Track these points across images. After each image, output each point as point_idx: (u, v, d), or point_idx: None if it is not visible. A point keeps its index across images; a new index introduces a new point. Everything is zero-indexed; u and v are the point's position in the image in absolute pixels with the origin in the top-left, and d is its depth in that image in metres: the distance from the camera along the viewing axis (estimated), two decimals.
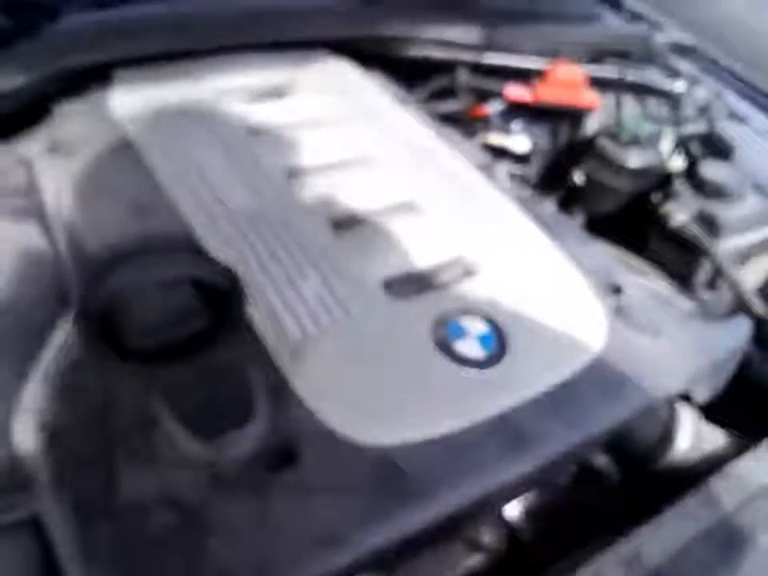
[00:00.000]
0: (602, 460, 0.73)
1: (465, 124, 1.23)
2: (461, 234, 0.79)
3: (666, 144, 1.14)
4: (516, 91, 1.19)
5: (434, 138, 0.95)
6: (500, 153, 1.21)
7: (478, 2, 1.22)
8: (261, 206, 0.76)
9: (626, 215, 1.11)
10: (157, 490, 0.52)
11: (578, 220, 1.14)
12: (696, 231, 0.97)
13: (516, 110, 1.24)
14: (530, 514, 0.71)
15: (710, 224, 0.97)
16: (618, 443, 0.73)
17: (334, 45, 1.10)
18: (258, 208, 0.76)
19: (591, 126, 1.22)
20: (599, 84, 1.23)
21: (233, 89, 0.96)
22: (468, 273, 0.75)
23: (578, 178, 1.16)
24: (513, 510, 0.71)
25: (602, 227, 1.12)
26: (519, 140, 1.23)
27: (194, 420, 0.56)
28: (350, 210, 0.79)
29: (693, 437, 0.75)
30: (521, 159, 1.24)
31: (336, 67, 1.07)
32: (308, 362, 0.62)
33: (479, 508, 0.60)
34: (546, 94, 1.18)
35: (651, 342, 0.73)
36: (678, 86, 1.25)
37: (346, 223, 0.77)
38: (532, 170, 1.24)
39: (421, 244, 0.76)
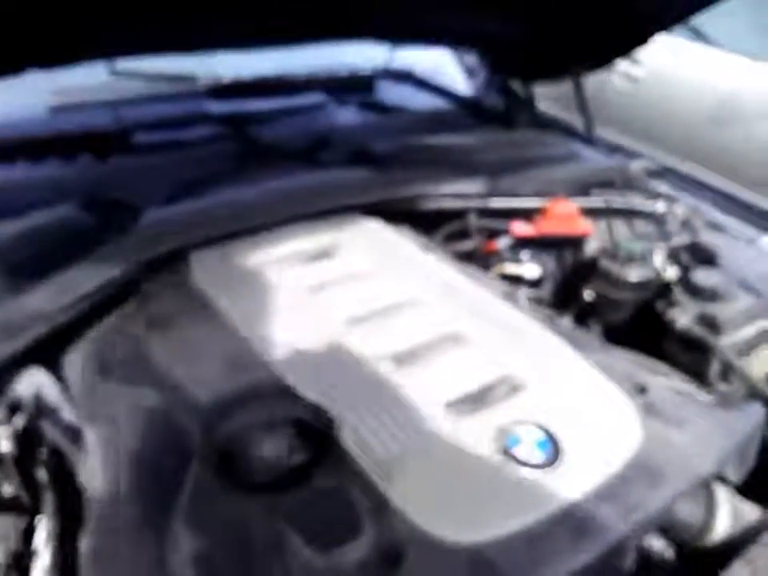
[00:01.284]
0: (656, 544, 0.83)
1: (480, 259, 1.41)
2: (502, 356, 0.93)
3: (659, 258, 1.31)
4: (520, 228, 1.38)
5: (461, 276, 1.11)
6: (514, 280, 1.39)
7: (478, 158, 1.44)
8: (332, 352, 0.91)
9: (636, 324, 1.26)
10: None
11: (594, 332, 1.29)
12: (700, 332, 1.11)
13: (523, 243, 1.42)
14: None
15: (710, 324, 1.12)
16: (666, 528, 0.83)
17: (364, 208, 1.30)
18: (330, 354, 0.91)
19: (589, 249, 1.40)
20: (591, 213, 1.43)
21: (289, 254, 1.14)
22: (515, 389, 0.88)
23: (588, 295, 1.32)
24: None
25: (616, 337, 1.27)
26: (530, 267, 1.40)
27: (315, 537, 0.67)
28: (406, 345, 0.94)
29: (731, 515, 0.85)
30: (534, 284, 1.41)
31: (370, 227, 1.26)
32: (398, 478, 0.74)
33: None
34: (547, 227, 1.37)
35: (680, 433, 0.85)
36: (659, 206, 1.45)
37: (405, 358, 0.91)
38: (545, 293, 1.40)
39: (471, 369, 0.91)
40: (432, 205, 1.36)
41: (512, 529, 0.70)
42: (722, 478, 0.88)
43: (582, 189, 1.51)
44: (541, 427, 0.81)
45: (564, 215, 1.36)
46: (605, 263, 1.29)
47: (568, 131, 1.82)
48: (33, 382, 0.94)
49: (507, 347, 0.95)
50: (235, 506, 0.71)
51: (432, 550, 0.68)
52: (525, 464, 0.77)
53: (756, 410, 0.96)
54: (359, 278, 1.09)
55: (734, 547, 0.81)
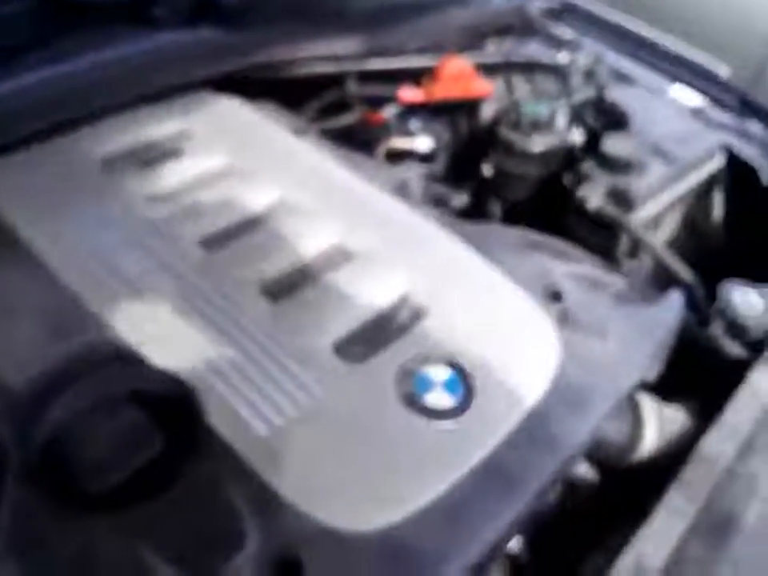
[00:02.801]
0: (580, 469, 0.75)
1: (363, 134, 1.21)
2: (398, 272, 0.78)
3: (562, 119, 1.16)
4: (409, 93, 1.18)
5: (342, 166, 0.92)
6: (405, 155, 1.20)
7: (352, 6, 1.18)
8: (183, 290, 0.72)
9: (540, 200, 1.13)
10: None
11: (494, 211, 1.16)
12: (612, 212, 0.99)
13: (412, 111, 1.22)
14: (525, 538, 0.72)
15: (622, 199, 1.00)
16: (592, 451, 0.75)
17: (215, 82, 1.04)
18: (181, 293, 0.72)
19: (487, 113, 1.22)
20: (488, 69, 1.23)
21: (121, 155, 0.90)
22: (415, 314, 0.74)
23: (487, 170, 1.16)
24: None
25: (518, 214, 1.14)
26: (422, 140, 1.21)
27: (181, 555, 0.53)
28: (280, 270, 0.76)
29: (658, 425, 0.78)
30: (427, 158, 1.23)
31: (224, 108, 1.01)
32: (284, 459, 0.59)
33: (488, 558, 0.60)
34: (439, 91, 1.17)
35: (600, 343, 0.75)
36: (562, 56, 1.27)
37: (279, 290, 0.74)
38: (439, 167, 1.22)
39: (361, 293, 0.74)
40: (300, 71, 1.11)
41: (426, 501, 0.58)
42: (643, 384, 0.80)
43: (477, 38, 1.30)
44: (449, 363, 0.68)
45: (457, 75, 1.16)
46: (505, 132, 1.12)
47: None
48: None
49: (402, 259, 0.79)
50: (73, 528, 0.54)
51: (335, 547, 0.55)
52: (435, 413, 0.64)
53: (674, 299, 0.87)
54: (214, 181, 0.87)
55: (665, 462, 0.75)
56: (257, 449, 0.59)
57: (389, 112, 1.21)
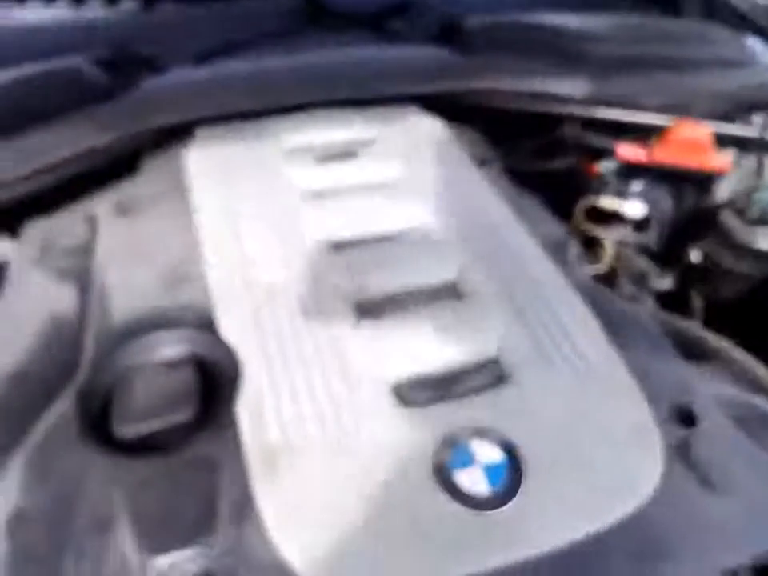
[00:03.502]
0: None
1: (578, 182, 1.11)
2: (503, 329, 0.69)
3: None
4: (629, 150, 1.05)
5: (504, 211, 0.85)
6: (610, 218, 1.08)
7: (599, 49, 1.09)
8: (287, 284, 0.72)
9: (750, 304, 0.93)
10: None
11: (694, 305, 0.98)
12: None
13: (636, 170, 1.09)
14: None
15: None
16: None
17: (428, 100, 1.04)
18: (284, 285, 0.72)
19: (722, 193, 1.05)
20: (737, 144, 1.05)
21: (305, 148, 0.94)
22: (498, 379, 0.65)
23: (695, 256, 0.99)
24: None
25: (721, 315, 0.95)
26: (634, 205, 1.08)
27: (149, 529, 0.53)
28: (382, 292, 0.72)
29: None
30: (639, 226, 1.09)
31: (421, 126, 1.00)
32: (280, 476, 0.56)
33: None
34: (664, 154, 1.03)
35: (715, 499, 0.59)
36: None
37: (371, 309, 0.70)
38: (650, 240, 1.08)
39: (452, 339, 0.68)
40: (518, 105, 1.06)
41: None
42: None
43: (736, 108, 1.12)
44: (504, 444, 0.59)
45: (689, 142, 1.01)
46: (726, 218, 0.95)
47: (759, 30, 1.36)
48: None
49: (515, 320, 0.71)
50: (81, 461, 0.58)
51: None
52: (462, 497, 0.56)
53: None
54: (374, 190, 0.87)
55: None
56: (260, 451, 0.57)
57: (606, 167, 1.10)
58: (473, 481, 0.56)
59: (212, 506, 0.54)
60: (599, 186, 1.10)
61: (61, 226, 0.83)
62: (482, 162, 0.96)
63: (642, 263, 1.03)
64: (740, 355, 0.79)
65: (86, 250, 0.80)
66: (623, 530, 0.55)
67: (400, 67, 1.05)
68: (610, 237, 1.06)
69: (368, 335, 0.67)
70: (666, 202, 1.09)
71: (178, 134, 0.95)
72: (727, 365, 0.79)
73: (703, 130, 1.01)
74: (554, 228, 0.87)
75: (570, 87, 1.05)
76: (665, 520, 0.56)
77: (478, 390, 0.64)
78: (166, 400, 0.60)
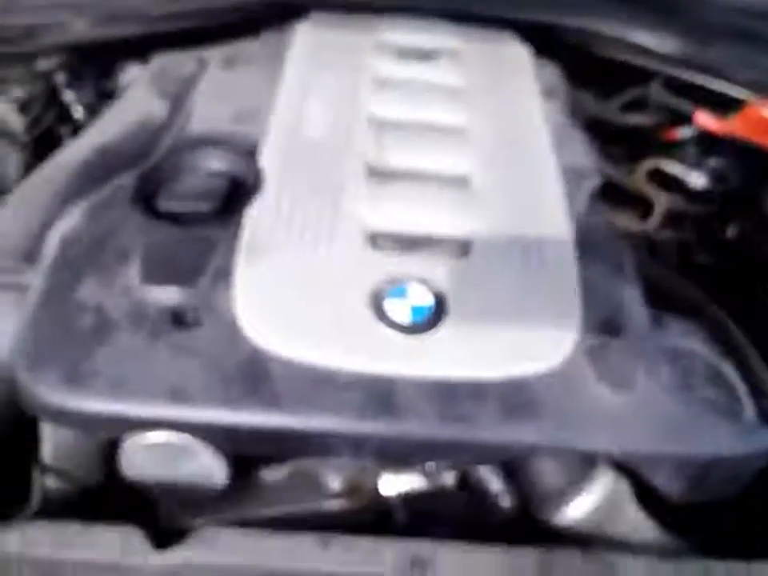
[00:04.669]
0: (494, 485, 0.69)
1: (651, 142, 1.14)
2: (488, 218, 0.79)
3: None
4: (708, 119, 1.06)
5: (541, 135, 0.92)
6: (670, 183, 1.11)
7: (698, 12, 1.09)
8: (324, 141, 0.86)
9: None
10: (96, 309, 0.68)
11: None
12: None
13: (710, 144, 1.10)
14: (407, 499, 0.71)
15: None
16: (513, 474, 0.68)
17: (525, 29, 1.11)
18: (320, 141, 0.86)
19: None
20: None
21: (395, 45, 1.05)
22: (462, 253, 0.75)
23: (731, 232, 1.00)
24: (389, 488, 0.73)
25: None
26: (698, 175, 1.09)
27: (150, 268, 0.70)
28: (397, 165, 0.84)
29: (602, 511, 0.66)
30: (696, 197, 1.11)
31: (507, 48, 1.08)
32: (257, 264, 0.71)
33: (320, 446, 0.64)
34: (741, 129, 1.03)
35: (607, 392, 0.66)
36: None
37: (382, 174, 0.82)
38: (701, 211, 1.09)
39: (439, 212, 0.79)
40: (614, 52, 1.10)
41: (320, 364, 0.64)
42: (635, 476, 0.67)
43: None
44: (437, 294, 0.70)
45: (765, 122, 1.01)
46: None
47: None
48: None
49: (503, 210, 0.80)
50: (125, 218, 0.76)
51: (227, 334, 0.66)
52: (385, 319, 0.68)
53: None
54: (435, 88, 0.98)
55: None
56: (245, 246, 0.72)
57: (684, 133, 1.12)
58: (398, 310, 0.68)
59: (202, 264, 0.70)
60: (670, 151, 1.13)
61: (178, 61, 1.02)
62: (549, 93, 1.03)
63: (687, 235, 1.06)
64: (717, 314, 0.83)
65: (189, 82, 0.98)
66: (507, 385, 0.65)
67: None
68: (663, 200, 1.09)
69: (368, 191, 0.80)
70: (732, 179, 1.09)
71: (296, 13, 1.10)
72: (704, 321, 0.83)
73: None
74: (584, 160, 0.92)
75: (665, 44, 1.07)
76: (548, 392, 0.65)
77: (439, 254, 0.75)
78: (200, 193, 0.78)
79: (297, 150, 0.84)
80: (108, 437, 0.66)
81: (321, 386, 0.63)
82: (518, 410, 0.64)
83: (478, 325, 0.69)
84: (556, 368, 0.67)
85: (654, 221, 1.08)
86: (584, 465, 0.67)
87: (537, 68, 1.06)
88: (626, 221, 1.09)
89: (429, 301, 0.69)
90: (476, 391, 0.64)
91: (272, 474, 0.74)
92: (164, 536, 0.59)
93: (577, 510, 0.66)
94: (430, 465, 0.68)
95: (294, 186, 0.79)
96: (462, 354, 0.66)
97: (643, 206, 1.11)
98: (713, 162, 1.10)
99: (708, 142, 1.10)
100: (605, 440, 0.65)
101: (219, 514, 0.71)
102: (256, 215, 0.75)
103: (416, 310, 0.69)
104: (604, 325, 0.71)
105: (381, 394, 0.63)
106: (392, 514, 0.71)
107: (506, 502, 0.68)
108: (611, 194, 1.12)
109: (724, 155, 1.09)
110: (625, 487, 0.67)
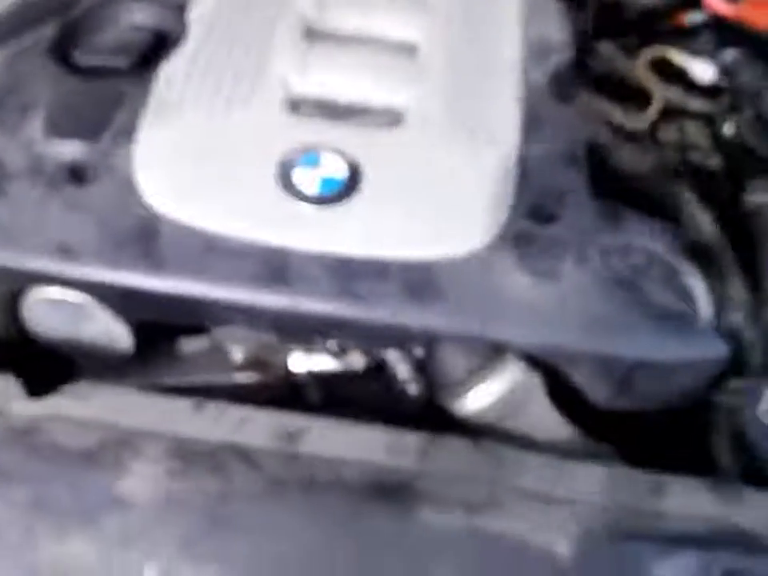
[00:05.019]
0: (401, 370, 0.66)
1: (659, 28, 1.02)
2: (427, 87, 0.71)
3: None
4: (717, 2, 0.94)
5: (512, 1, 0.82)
6: (675, 74, 1.00)
7: None
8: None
9: None
10: None
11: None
12: None
13: (722, 27, 0.98)
14: (318, 379, 0.69)
15: None
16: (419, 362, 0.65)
17: None
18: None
19: None
20: None
21: None
22: (391, 124, 0.69)
23: (728, 128, 0.90)
24: (298, 365, 0.70)
25: None
26: (703, 67, 0.98)
27: (54, 120, 0.66)
28: (342, 27, 0.76)
29: (505, 403, 0.62)
30: (703, 92, 0.99)
31: None
32: (163, 125, 0.66)
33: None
34: (752, 13, 0.91)
35: (527, 280, 0.61)
36: None
37: (321, 35, 0.75)
38: (708, 108, 0.98)
39: (377, 78, 0.72)
40: None
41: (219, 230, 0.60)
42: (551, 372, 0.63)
43: None
44: (352, 164, 0.64)
45: None
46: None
47: None
48: None
49: (449, 78, 0.73)
50: (41, 70, 0.71)
51: (120, 189, 0.62)
52: (291, 189, 0.63)
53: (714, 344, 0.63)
54: None
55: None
56: (158, 107, 0.68)
57: (692, 18, 0.99)
58: (306, 180, 0.63)
59: (108, 120, 0.66)
60: (682, 39, 1.01)
61: None
62: None
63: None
64: (699, 217, 0.76)
65: None
66: (412, 266, 0.60)
67: None
68: (662, 92, 0.98)
69: (299, 53, 0.73)
70: (743, 74, 0.97)
71: None
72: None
73: None
74: (555, 33, 0.82)
75: None
76: (457, 277, 0.60)
77: (366, 124, 0.68)
78: (119, 47, 0.72)
79: (230, 3, 0.77)
80: (4, 288, 0.65)
81: (213, 252, 0.60)
82: (420, 292, 0.59)
83: (393, 201, 0.63)
84: (474, 252, 0.61)
85: (650, 114, 0.98)
86: (492, 355, 0.63)
87: None
88: (621, 115, 1.01)
89: (342, 172, 0.64)
90: (378, 270, 0.60)
91: (185, 345, 0.72)
92: (42, 387, 0.58)
93: (477, 399, 0.62)
94: (332, 344, 0.65)
95: (219, 43, 0.73)
96: (370, 231, 0.62)
97: (645, 99, 1.01)
98: (725, 52, 0.98)
99: (721, 30, 0.98)
100: (514, 330, 0.60)
101: (126, 379, 0.70)
102: (171, 71, 0.70)
103: (326, 182, 0.63)
104: (537, 211, 0.65)
105: (275, 265, 0.59)
106: (303, 392, 0.69)
107: (413, 389, 0.65)
108: (612, 85, 1.04)
109: (738, 45, 0.97)
110: (535, 381, 0.63)
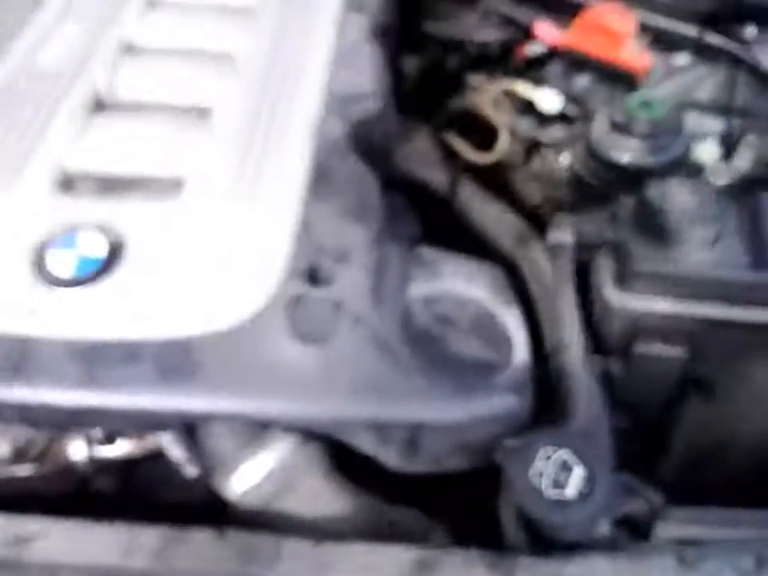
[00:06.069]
0: (174, 452, 0.61)
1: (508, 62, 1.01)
2: (217, 151, 0.69)
3: (708, 150, 0.78)
4: (546, 30, 0.92)
5: (318, 58, 0.80)
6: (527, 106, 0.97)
7: None
8: (59, 68, 0.76)
9: None
10: None
11: None
12: None
13: (574, 60, 0.95)
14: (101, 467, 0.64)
15: None
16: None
17: None
18: (55, 68, 0.76)
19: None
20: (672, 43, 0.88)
21: None
22: (171, 193, 0.66)
23: (564, 158, 0.88)
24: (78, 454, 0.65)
25: None
26: (548, 95, 0.96)
27: None
28: (135, 96, 0.74)
29: (275, 482, 0.57)
30: (546, 120, 0.97)
31: None
32: None
33: None
34: (576, 40, 0.89)
35: (297, 347, 0.57)
36: None
37: (111, 105, 0.73)
38: (553, 136, 0.96)
39: (162, 153, 0.69)
40: None
41: None
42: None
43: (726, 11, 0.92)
44: (114, 244, 0.61)
45: (601, 29, 0.86)
46: (597, 121, 0.82)
47: None
48: None
49: (242, 140, 0.70)
50: None
51: None
52: (45, 273, 0.59)
53: (508, 400, 0.59)
54: (215, 10, 0.86)
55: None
56: None
57: (533, 50, 0.98)
58: (60, 263, 0.59)
59: None
60: (525, 69, 0.99)
61: None
62: (359, 6, 0.90)
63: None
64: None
65: None
66: (168, 345, 0.56)
67: None
68: (507, 125, 0.96)
69: (80, 127, 0.70)
70: (592, 101, 0.95)
71: None
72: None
73: (619, 17, 0.85)
74: (362, 84, 0.80)
75: None
76: (218, 353, 0.56)
77: (139, 196, 0.66)
78: None
79: (28, 77, 0.75)
80: None
81: None
82: (175, 374, 0.55)
83: (155, 278, 0.60)
84: (240, 323, 0.58)
85: (498, 149, 0.96)
86: (259, 431, 0.58)
87: None
88: (470, 151, 0.98)
89: (102, 251, 0.61)
90: (130, 352, 0.56)
91: None
92: None
93: (244, 480, 0.58)
94: (95, 432, 0.61)
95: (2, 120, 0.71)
96: (125, 311, 0.58)
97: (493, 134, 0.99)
98: (576, 80, 0.96)
99: (568, 59, 0.96)
100: (278, 406, 0.56)
101: None
102: None
103: (83, 262, 0.60)
104: (314, 273, 0.61)
105: (16, 356, 0.56)
106: (88, 482, 0.64)
107: (191, 472, 0.61)
108: (464, 121, 1.02)
109: (584, 73, 0.96)
110: (311, 454, 0.58)
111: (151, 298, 0.59)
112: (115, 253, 0.60)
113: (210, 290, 0.60)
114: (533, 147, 0.97)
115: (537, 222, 0.86)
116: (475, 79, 1.01)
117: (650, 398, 0.74)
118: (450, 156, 0.98)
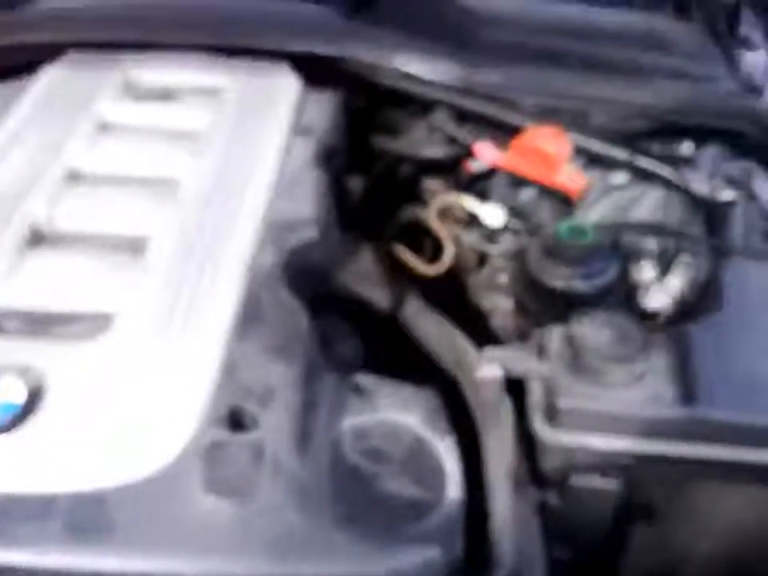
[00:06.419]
0: None
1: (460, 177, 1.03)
2: (145, 287, 0.69)
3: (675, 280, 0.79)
4: (486, 151, 0.95)
5: (261, 184, 0.82)
6: (470, 220, 0.99)
7: (483, 39, 0.98)
8: (13, 185, 0.78)
9: None
10: None
11: None
12: None
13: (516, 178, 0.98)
14: None
15: None
16: None
17: (301, 59, 1.01)
18: (9, 187, 0.78)
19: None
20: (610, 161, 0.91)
21: (142, 85, 0.97)
22: (98, 332, 0.65)
23: (503, 278, 0.89)
24: None
25: None
26: (492, 211, 0.97)
27: None
28: (73, 228, 0.75)
29: None
30: (491, 236, 0.99)
31: (274, 83, 0.97)
32: None
33: None
34: (514, 161, 0.92)
35: (216, 502, 0.55)
36: (728, 193, 0.85)
37: (47, 239, 0.74)
38: (496, 251, 0.97)
39: (88, 287, 0.69)
40: (388, 81, 1.00)
41: None
42: None
43: (664, 126, 0.96)
44: (34, 389, 0.60)
45: (537, 151, 0.89)
46: (530, 247, 0.83)
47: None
48: None
49: (173, 275, 0.70)
50: None
51: None
52: None
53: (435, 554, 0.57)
54: (162, 134, 0.88)
55: None
56: None
57: (478, 165, 1.00)
58: None
59: None
60: (471, 182, 1.02)
61: None
62: (305, 130, 0.92)
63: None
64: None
65: None
66: (83, 501, 0.55)
67: (278, 22, 1.03)
68: (451, 239, 0.98)
69: (12, 263, 0.70)
70: (536, 216, 0.97)
71: (58, 52, 1.02)
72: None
73: (554, 140, 0.88)
74: (301, 211, 0.80)
75: (437, 71, 0.96)
76: (128, 508, 0.55)
77: (65, 336, 0.65)
78: None
79: None
80: None
81: None
82: (85, 532, 0.54)
83: (72, 424, 0.59)
84: (154, 474, 0.56)
85: (444, 262, 0.97)
86: None
87: (301, 102, 0.96)
88: (418, 263, 1.00)
89: (20, 396, 0.60)
90: (40, 507, 0.54)
91: None
92: None
93: None
94: None
95: None
96: (39, 462, 0.57)
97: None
98: (521, 193, 0.98)
99: (510, 176, 0.99)
100: (192, 564, 0.54)
101: None
102: None
103: (1, 408, 0.59)
104: (236, 417, 0.61)
105: None
106: None
107: None
108: (413, 233, 1.04)
109: (527, 187, 0.98)
110: None
111: (66, 447, 0.58)
112: (34, 399, 0.59)
113: (127, 438, 0.59)
114: (483, 257, 0.98)
115: (488, 332, 0.87)
116: (426, 185, 1.04)
117: (590, 528, 0.73)
118: (399, 268, 0.99)
